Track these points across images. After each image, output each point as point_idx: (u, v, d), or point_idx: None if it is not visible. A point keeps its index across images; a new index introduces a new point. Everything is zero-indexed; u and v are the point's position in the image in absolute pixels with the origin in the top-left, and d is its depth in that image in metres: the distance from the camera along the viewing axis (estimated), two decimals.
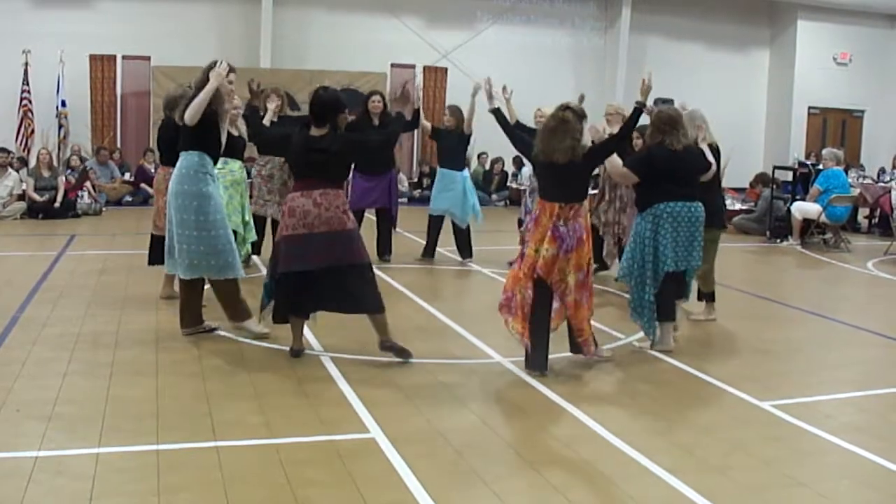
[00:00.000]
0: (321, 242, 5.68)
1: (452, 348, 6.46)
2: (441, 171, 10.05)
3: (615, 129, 6.82)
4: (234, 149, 8.21)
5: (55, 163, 14.39)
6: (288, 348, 6.03)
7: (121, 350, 6.06)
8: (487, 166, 18.07)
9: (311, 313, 6.04)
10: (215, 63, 6.20)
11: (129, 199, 15.46)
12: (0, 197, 13.28)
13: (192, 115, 6.07)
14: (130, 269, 9.01)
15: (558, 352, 6.28)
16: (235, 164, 8.61)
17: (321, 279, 5.75)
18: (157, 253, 7.31)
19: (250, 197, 9.11)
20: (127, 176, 15.95)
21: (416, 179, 17.96)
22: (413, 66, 17.93)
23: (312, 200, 5.69)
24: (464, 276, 9.71)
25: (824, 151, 13.74)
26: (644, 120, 6.21)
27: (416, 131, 13.89)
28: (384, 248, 10.02)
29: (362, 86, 15.90)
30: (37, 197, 13.45)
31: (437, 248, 10.34)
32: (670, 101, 12.90)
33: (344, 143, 5.84)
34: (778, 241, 13.00)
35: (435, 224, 10.18)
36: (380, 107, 9.59)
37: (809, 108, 21.22)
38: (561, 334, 6.05)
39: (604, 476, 4.18)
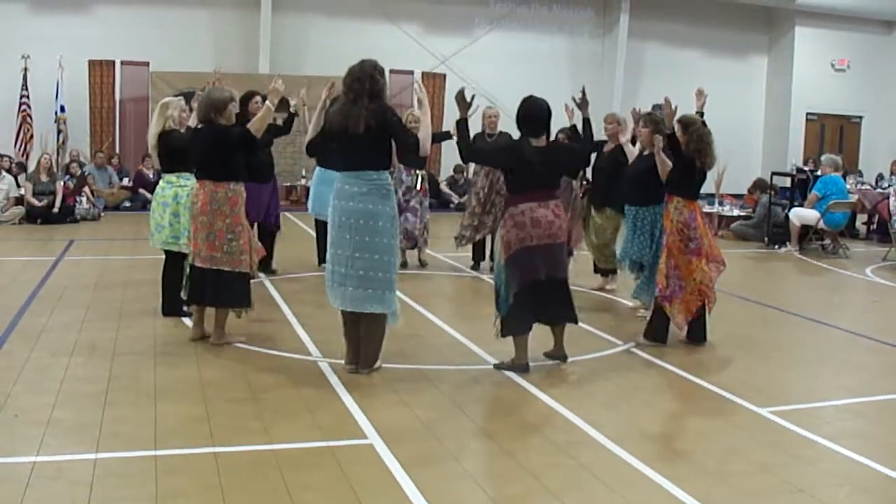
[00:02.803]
0: (561, 252, 6.00)
1: (450, 354, 6.46)
2: (328, 172, 8.83)
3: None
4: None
5: (54, 168, 14.38)
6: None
7: (119, 355, 6.06)
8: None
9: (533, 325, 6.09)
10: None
11: (127, 204, 15.46)
12: None
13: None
14: (129, 275, 9.01)
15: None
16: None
17: (549, 290, 5.92)
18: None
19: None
20: (125, 181, 15.95)
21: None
22: (411, 73, 17.93)
23: (551, 211, 5.86)
24: (462, 281, 9.71)
25: (823, 157, 13.76)
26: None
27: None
28: (269, 260, 9.21)
29: None
30: (35, 202, 13.45)
31: (439, 255, 10.40)
32: None
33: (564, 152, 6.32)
34: (776, 247, 13.01)
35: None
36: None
37: (807, 114, 21.25)
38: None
39: (601, 482, 4.18)
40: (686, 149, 6.53)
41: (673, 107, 6.46)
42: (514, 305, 5.83)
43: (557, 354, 6.22)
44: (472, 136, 6.23)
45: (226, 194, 6.23)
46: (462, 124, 5.89)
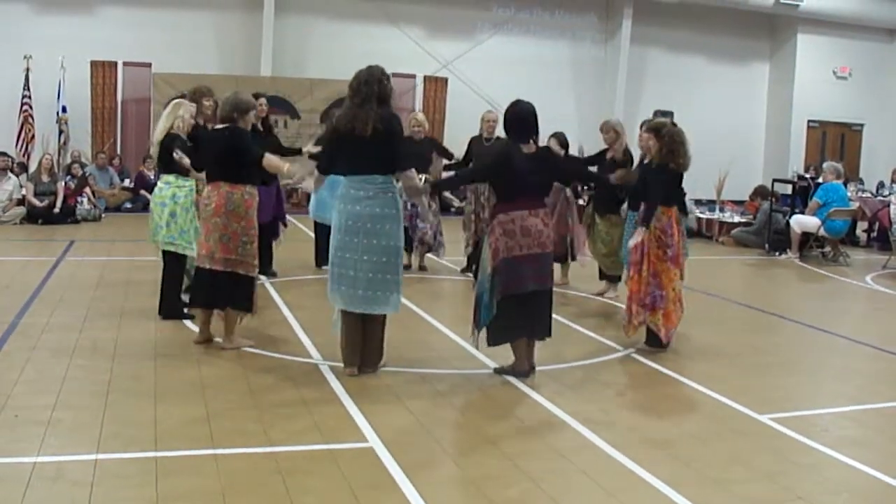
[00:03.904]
0: (548, 261, 5.92)
1: (451, 358, 6.47)
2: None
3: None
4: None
5: (55, 168, 14.39)
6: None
7: (120, 356, 6.06)
8: None
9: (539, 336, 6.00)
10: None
11: (128, 205, 15.46)
12: (0, 201, 13.30)
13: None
14: (129, 276, 9.01)
15: (559, 362, 6.29)
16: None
17: (535, 299, 5.83)
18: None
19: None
20: (126, 182, 15.96)
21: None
22: (413, 76, 17.96)
23: (541, 220, 5.80)
24: (462, 285, 9.70)
25: (824, 165, 13.77)
26: None
27: None
28: (269, 262, 9.25)
29: None
30: (36, 202, 13.46)
31: (442, 261, 10.42)
32: (670, 114, 12.98)
33: (556, 162, 6.28)
34: (777, 254, 13.01)
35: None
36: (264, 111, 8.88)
37: (809, 121, 21.25)
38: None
39: (601, 487, 4.18)
40: (660, 153, 6.58)
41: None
42: (500, 314, 5.76)
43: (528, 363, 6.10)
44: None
45: (242, 196, 6.22)
46: (439, 184, 6.02)
